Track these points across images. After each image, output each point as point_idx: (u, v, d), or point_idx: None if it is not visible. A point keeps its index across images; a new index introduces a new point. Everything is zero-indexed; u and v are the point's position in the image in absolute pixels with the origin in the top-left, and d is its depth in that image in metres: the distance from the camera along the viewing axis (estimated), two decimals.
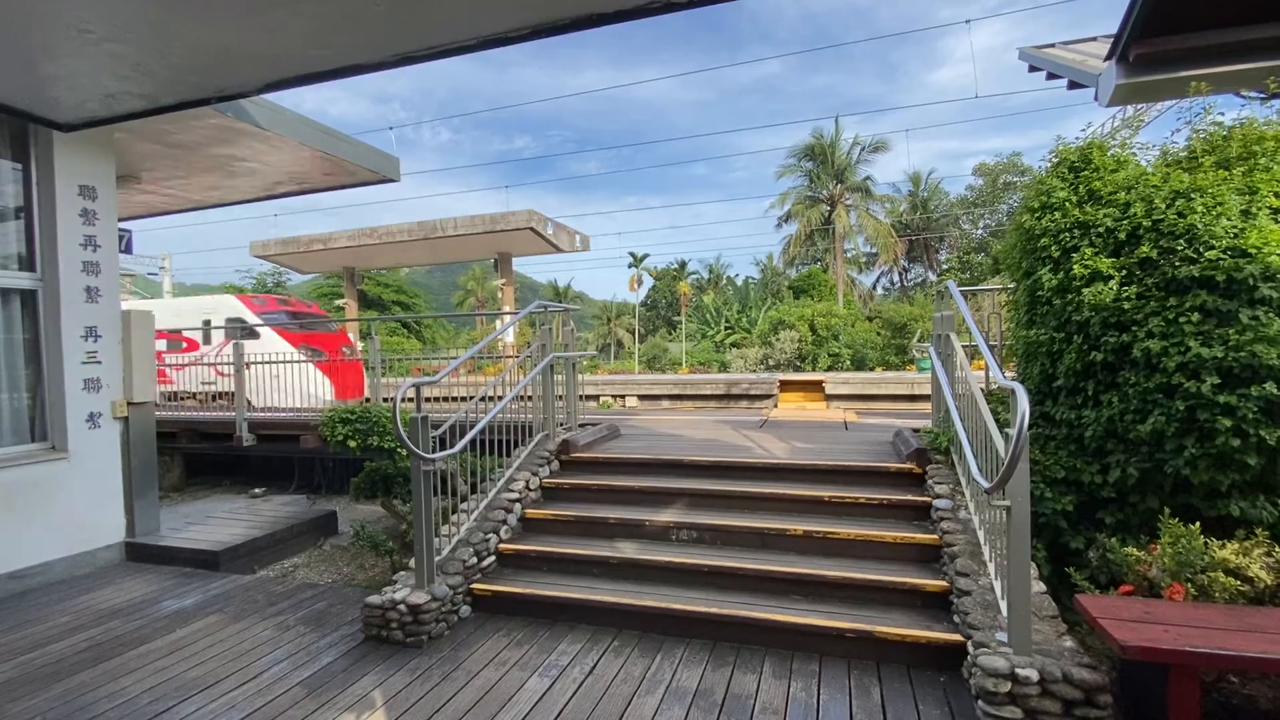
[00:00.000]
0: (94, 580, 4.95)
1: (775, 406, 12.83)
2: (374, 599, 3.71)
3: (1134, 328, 3.56)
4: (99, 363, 5.35)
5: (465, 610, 3.98)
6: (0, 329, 5.11)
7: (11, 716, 3.02)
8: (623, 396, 14.81)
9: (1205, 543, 3.12)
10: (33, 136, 5.06)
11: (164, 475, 7.32)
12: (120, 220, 5.94)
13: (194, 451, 9.54)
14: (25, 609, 4.38)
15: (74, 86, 4.16)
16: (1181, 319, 3.41)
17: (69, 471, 5.12)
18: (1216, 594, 2.95)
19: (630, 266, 41.62)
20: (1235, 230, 3.42)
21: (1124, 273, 3.66)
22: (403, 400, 3.77)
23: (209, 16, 3.32)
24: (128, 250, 7.69)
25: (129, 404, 5.54)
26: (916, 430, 5.24)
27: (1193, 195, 3.55)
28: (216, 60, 3.84)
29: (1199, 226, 3.46)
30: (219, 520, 6.44)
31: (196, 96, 4.32)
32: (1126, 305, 3.57)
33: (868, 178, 32.41)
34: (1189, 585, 3.00)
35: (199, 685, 3.25)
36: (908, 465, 4.56)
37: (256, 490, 8.78)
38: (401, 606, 3.62)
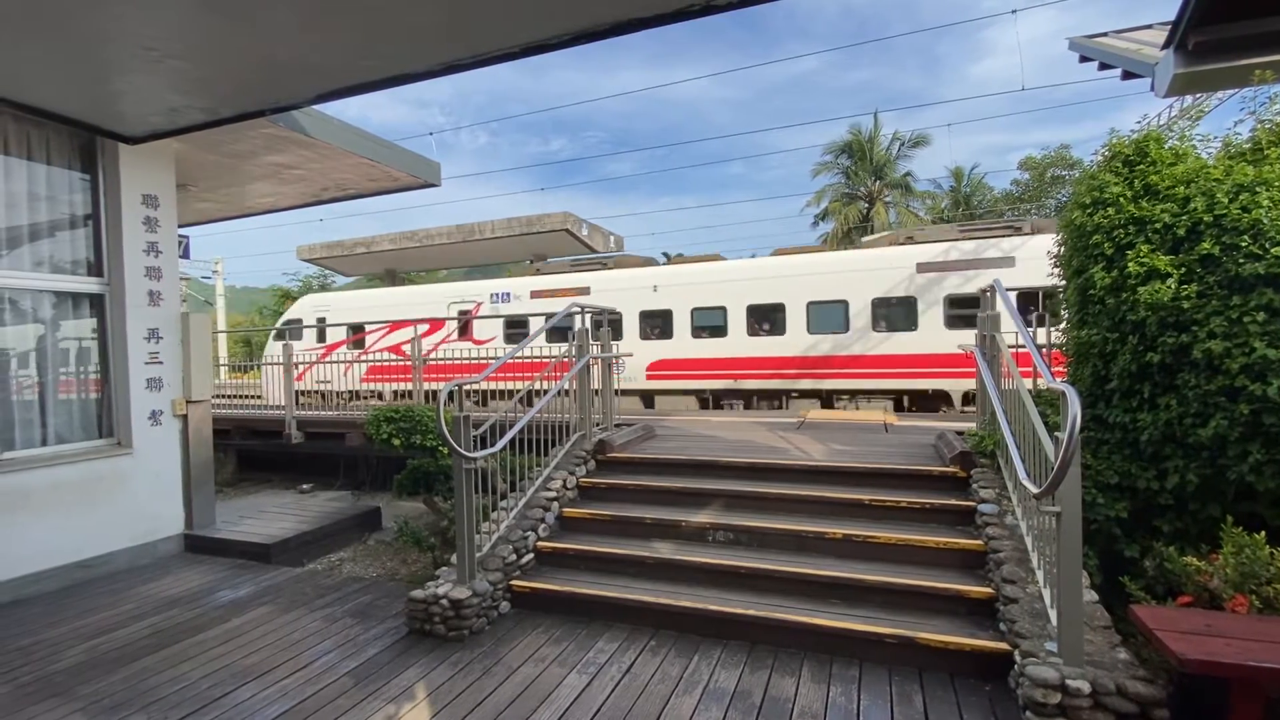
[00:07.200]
0: (155, 570, 5.21)
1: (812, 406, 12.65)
2: (417, 593, 3.81)
3: (1194, 327, 3.41)
4: (160, 363, 5.63)
5: (505, 606, 4.05)
6: (71, 331, 5.42)
7: (82, 697, 3.21)
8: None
9: (1271, 553, 2.98)
10: (100, 149, 5.35)
11: (218, 470, 7.63)
12: (178, 226, 6.22)
13: (246, 447, 9.95)
14: (92, 596, 4.63)
15: (139, 101, 4.38)
16: (1246, 318, 3.26)
17: (133, 466, 5.40)
18: None
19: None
20: None
21: (1183, 270, 3.51)
22: (446, 400, 3.86)
23: (266, 31, 3.46)
24: (186, 255, 8.04)
25: (188, 402, 5.82)
26: (960, 433, 5.11)
27: (1258, 189, 3.39)
28: (272, 73, 4.00)
29: (1265, 221, 3.30)
30: (270, 514, 6.70)
31: (253, 108, 4.51)
32: (1186, 304, 3.43)
33: (908, 174, 31.51)
34: (1253, 597, 2.87)
35: (253, 673, 3.40)
36: (951, 469, 4.46)
37: (304, 486, 9.08)
38: (444, 601, 3.70)
